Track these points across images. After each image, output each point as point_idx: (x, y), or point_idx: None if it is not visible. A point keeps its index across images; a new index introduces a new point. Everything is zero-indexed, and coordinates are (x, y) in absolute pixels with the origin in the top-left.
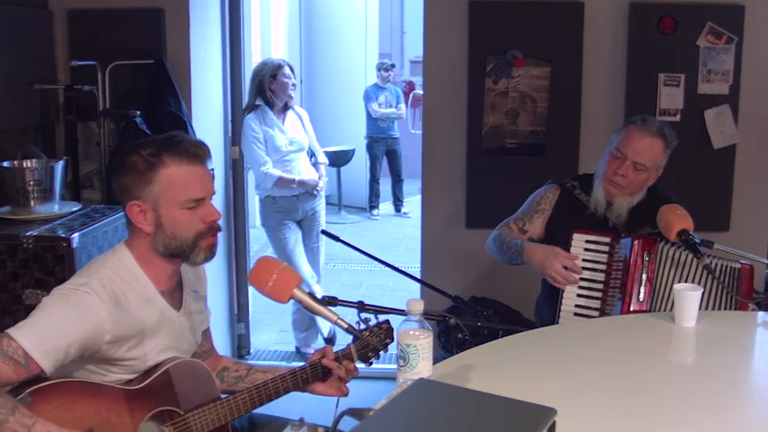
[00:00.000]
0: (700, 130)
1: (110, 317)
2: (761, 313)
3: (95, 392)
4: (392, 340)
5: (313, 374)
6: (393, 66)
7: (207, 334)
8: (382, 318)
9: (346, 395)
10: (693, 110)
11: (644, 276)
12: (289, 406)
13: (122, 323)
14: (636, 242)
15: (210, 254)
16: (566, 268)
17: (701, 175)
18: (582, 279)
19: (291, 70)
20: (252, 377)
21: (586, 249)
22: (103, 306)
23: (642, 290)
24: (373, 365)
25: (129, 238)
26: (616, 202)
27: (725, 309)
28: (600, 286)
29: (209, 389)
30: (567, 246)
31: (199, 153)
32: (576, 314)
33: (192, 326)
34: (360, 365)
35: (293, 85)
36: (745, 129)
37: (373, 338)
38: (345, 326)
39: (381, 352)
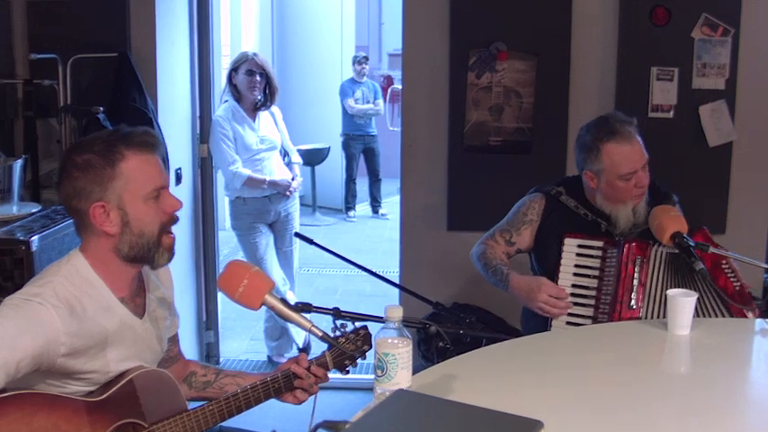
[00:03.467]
0: (694, 127)
1: (65, 328)
2: (758, 320)
3: (54, 405)
4: (370, 347)
5: (285, 384)
6: (366, 58)
7: (175, 339)
8: (359, 323)
9: (300, 403)
10: (688, 106)
11: (635, 282)
12: (260, 419)
13: (79, 334)
14: (627, 246)
15: (171, 254)
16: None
17: (695, 175)
18: (574, 286)
19: (259, 66)
20: (221, 382)
21: (578, 254)
22: (58, 317)
23: (634, 296)
24: (349, 375)
25: (84, 243)
26: (637, 208)
27: (719, 316)
28: (593, 293)
29: (175, 400)
30: (558, 252)
31: (151, 141)
32: (567, 323)
33: (159, 333)
34: (335, 375)
35: (256, 83)
36: (742, 126)
37: (349, 345)
38: (320, 333)
39: (359, 359)
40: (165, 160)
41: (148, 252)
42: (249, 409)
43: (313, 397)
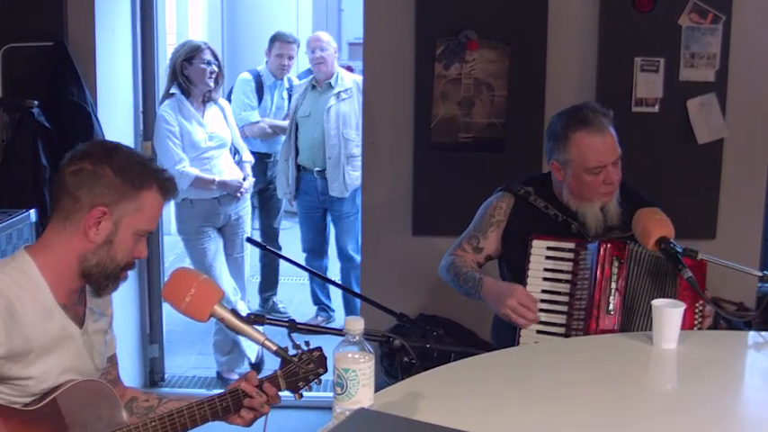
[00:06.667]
0: (682, 123)
1: (3, 327)
2: (751, 333)
3: None
4: (326, 370)
5: (234, 402)
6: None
7: (113, 360)
8: (314, 346)
9: (249, 424)
10: (675, 99)
11: (613, 286)
12: None
13: (17, 335)
14: (603, 246)
15: (115, 289)
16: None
17: (683, 175)
18: (544, 292)
19: (214, 56)
20: (165, 407)
21: (548, 258)
22: None
23: (612, 300)
24: (306, 393)
25: (47, 236)
26: (608, 207)
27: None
28: (565, 299)
29: (114, 414)
30: (526, 255)
31: (174, 192)
32: (538, 332)
33: (95, 347)
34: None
35: (212, 73)
36: (733, 121)
37: (305, 365)
38: (274, 348)
39: (314, 383)
40: None
41: (106, 278)
42: (194, 428)
43: (264, 418)
